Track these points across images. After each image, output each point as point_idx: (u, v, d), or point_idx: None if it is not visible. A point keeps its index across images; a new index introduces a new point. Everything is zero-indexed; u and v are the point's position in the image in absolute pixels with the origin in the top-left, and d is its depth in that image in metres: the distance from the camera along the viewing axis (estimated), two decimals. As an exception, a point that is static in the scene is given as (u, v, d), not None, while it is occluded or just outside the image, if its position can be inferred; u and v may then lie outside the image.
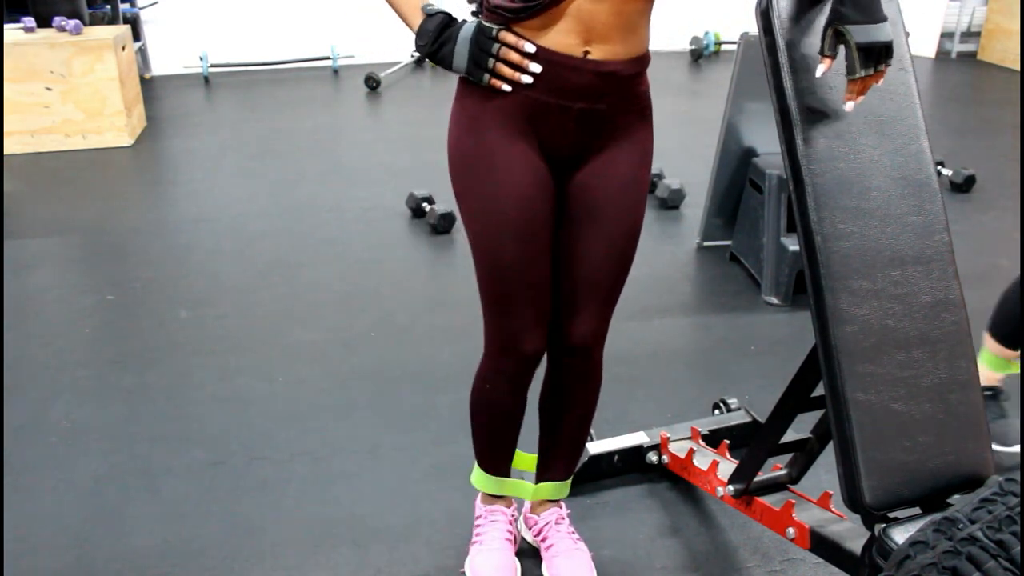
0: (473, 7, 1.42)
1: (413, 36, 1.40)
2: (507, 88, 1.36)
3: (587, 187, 1.46)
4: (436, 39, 1.36)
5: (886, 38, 1.29)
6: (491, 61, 1.34)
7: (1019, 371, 2.19)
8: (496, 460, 1.76)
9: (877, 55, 1.30)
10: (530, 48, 1.33)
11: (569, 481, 1.80)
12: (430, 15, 1.37)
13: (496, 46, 1.34)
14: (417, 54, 6.47)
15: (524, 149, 1.41)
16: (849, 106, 1.35)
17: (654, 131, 1.50)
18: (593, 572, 1.75)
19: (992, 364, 2.13)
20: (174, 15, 6.19)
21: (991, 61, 6.76)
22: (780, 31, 1.38)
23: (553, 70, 1.34)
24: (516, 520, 1.85)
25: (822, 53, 1.33)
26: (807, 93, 1.39)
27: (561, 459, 1.76)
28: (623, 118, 1.43)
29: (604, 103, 1.39)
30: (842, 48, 1.32)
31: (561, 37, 1.32)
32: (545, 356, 1.63)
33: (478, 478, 1.79)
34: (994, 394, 2.18)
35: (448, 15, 1.38)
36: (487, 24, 1.34)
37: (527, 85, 1.36)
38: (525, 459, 1.86)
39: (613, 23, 1.32)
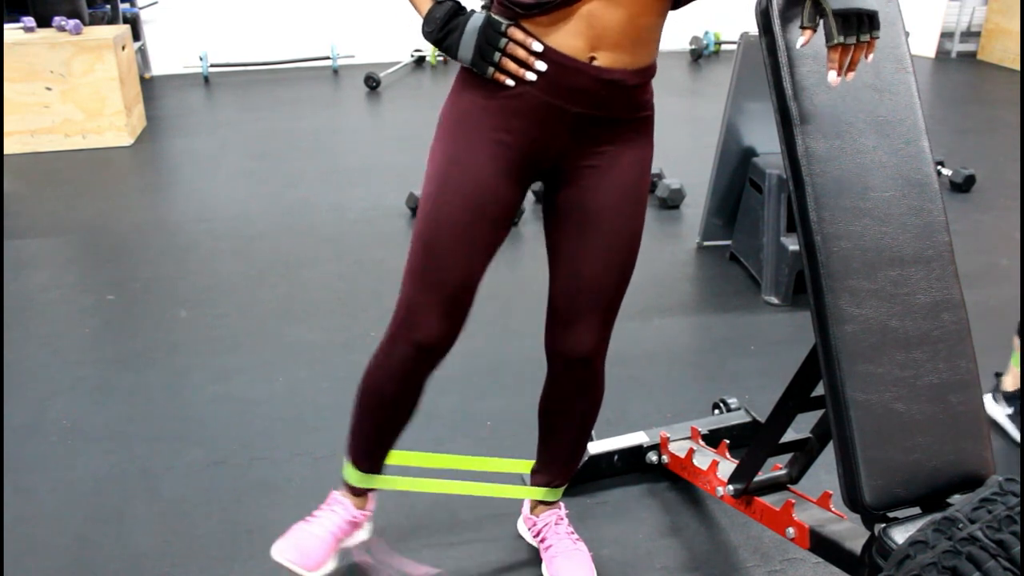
0: None
1: (420, 25, 1.39)
2: (510, 83, 1.35)
3: (586, 195, 1.45)
4: (443, 26, 1.36)
5: (866, 6, 1.25)
6: (497, 55, 1.33)
7: (1019, 355, 2.22)
8: (364, 451, 1.66)
9: (858, 23, 1.26)
10: (537, 47, 1.32)
11: (563, 488, 1.80)
12: (439, 2, 1.37)
13: (504, 40, 1.33)
14: (417, 53, 6.48)
15: (503, 153, 1.40)
16: (831, 76, 1.29)
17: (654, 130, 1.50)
18: (593, 572, 1.75)
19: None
20: (174, 15, 6.19)
21: (991, 61, 6.76)
22: (780, 31, 1.38)
23: (556, 71, 1.33)
24: (361, 523, 1.76)
25: (802, 25, 1.29)
26: (807, 93, 1.39)
27: (556, 465, 1.76)
28: (624, 125, 1.42)
29: (603, 110, 1.38)
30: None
31: (569, 39, 1.31)
32: (546, 363, 1.63)
33: (347, 469, 1.70)
34: None
35: (457, 3, 1.37)
36: (496, 17, 1.33)
37: (528, 82, 1.35)
38: (520, 464, 1.86)
39: (625, 32, 1.31)
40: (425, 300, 1.46)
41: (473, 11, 1.37)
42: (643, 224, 1.51)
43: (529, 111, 1.37)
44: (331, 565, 1.69)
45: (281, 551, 1.65)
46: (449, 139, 1.43)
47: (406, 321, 1.49)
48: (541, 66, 1.33)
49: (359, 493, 1.75)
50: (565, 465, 1.76)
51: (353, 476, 1.70)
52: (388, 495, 2.02)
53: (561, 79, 1.34)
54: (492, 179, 1.41)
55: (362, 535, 1.79)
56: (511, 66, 1.34)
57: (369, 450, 1.67)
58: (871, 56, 1.31)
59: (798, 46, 1.32)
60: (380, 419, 1.61)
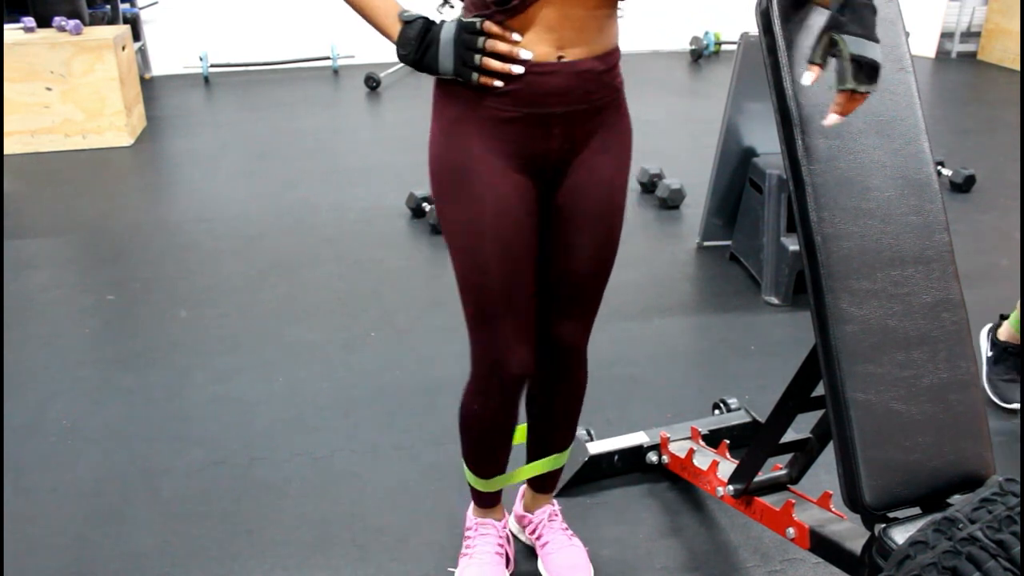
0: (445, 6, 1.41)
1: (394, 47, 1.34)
2: (499, 84, 1.32)
3: (569, 193, 1.45)
4: (419, 45, 1.32)
5: (878, 59, 1.24)
6: (478, 57, 1.30)
7: (1020, 355, 2.29)
8: (488, 468, 1.71)
9: (868, 73, 1.24)
10: (516, 36, 1.30)
11: (560, 457, 1.76)
12: (408, 22, 1.32)
13: (481, 39, 1.30)
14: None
15: (506, 164, 1.39)
16: (831, 119, 1.28)
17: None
18: (589, 566, 1.76)
19: (1016, 325, 2.33)
20: (174, 15, 6.19)
21: (991, 61, 6.76)
22: (780, 31, 1.38)
23: (531, 79, 1.32)
24: (507, 537, 1.82)
25: (812, 61, 1.28)
26: (807, 93, 1.39)
27: (552, 436, 1.74)
28: (603, 115, 1.42)
29: (584, 103, 1.38)
30: (832, 60, 1.29)
31: (535, 46, 1.31)
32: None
33: (471, 477, 1.74)
34: (1011, 350, 2.38)
35: (426, 20, 1.33)
36: (468, 19, 1.30)
37: (507, 102, 1.33)
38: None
39: (585, 26, 1.32)
40: (502, 342, 1.47)
41: (442, 23, 1.34)
42: (623, 216, 1.51)
43: (518, 127, 1.36)
44: None
45: None
46: (459, 179, 1.40)
47: (491, 364, 1.50)
48: (526, 54, 1.30)
49: (491, 503, 1.78)
50: (562, 433, 1.74)
51: (484, 484, 1.73)
52: (385, 498, 2.02)
53: (538, 86, 1.33)
54: (516, 206, 1.40)
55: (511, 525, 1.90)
56: (495, 64, 1.30)
57: (490, 467, 1.71)
58: (856, 106, 1.28)
59: (804, 83, 1.29)
60: (495, 442, 1.66)
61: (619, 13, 1.40)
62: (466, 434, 1.66)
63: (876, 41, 1.25)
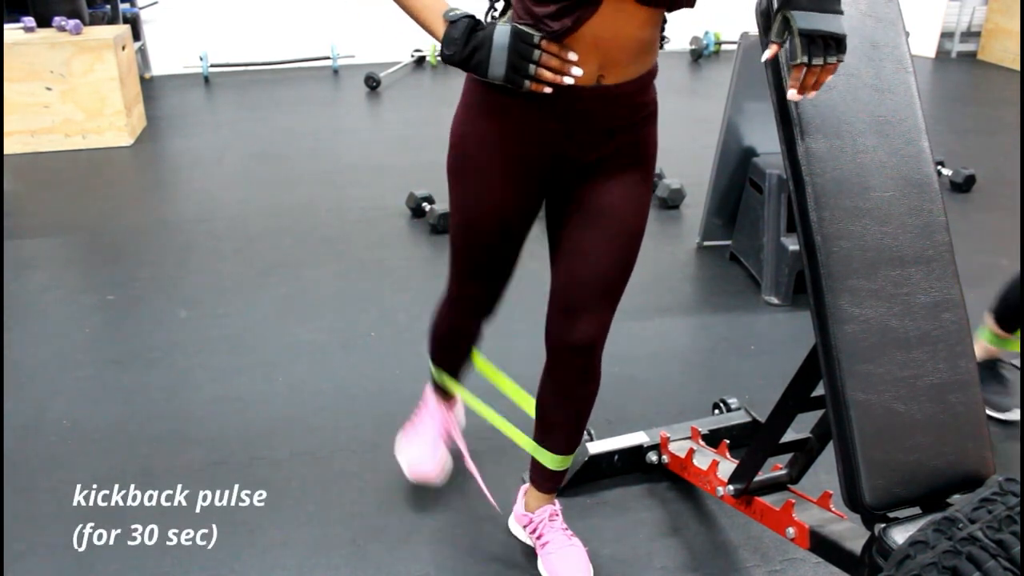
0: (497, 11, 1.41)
1: (440, 44, 1.34)
2: (548, 90, 1.32)
3: (595, 190, 1.48)
4: (465, 45, 1.31)
5: (835, 29, 1.26)
6: (532, 68, 1.30)
7: (1019, 354, 2.28)
8: (443, 363, 1.91)
9: (824, 45, 1.26)
10: (573, 56, 1.30)
11: (566, 459, 1.76)
12: (453, 22, 1.32)
13: (538, 53, 1.29)
14: (417, 53, 6.48)
15: (520, 164, 1.46)
16: (792, 95, 1.30)
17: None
18: (589, 566, 1.75)
19: (991, 341, 2.27)
20: (174, 15, 6.19)
21: (991, 61, 6.76)
22: (780, 31, 1.38)
23: (568, 100, 1.35)
24: (453, 425, 2.02)
25: (770, 39, 1.30)
26: (807, 93, 1.39)
27: (558, 442, 1.74)
28: (636, 129, 1.47)
29: (612, 121, 1.42)
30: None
31: (579, 64, 1.32)
32: (545, 353, 1.64)
33: (433, 370, 1.93)
34: (993, 365, 2.32)
35: (472, 18, 1.33)
36: (526, 30, 1.29)
37: (538, 115, 1.38)
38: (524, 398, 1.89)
39: (629, 48, 1.34)
40: (467, 291, 1.70)
41: (492, 23, 1.33)
42: (647, 216, 1.54)
43: (540, 136, 1.41)
44: (447, 460, 2.00)
45: (408, 468, 1.98)
46: (474, 161, 1.49)
47: (456, 302, 1.74)
48: (578, 71, 1.31)
49: (446, 396, 1.98)
50: (569, 436, 1.74)
51: (440, 376, 1.93)
52: (385, 498, 2.02)
53: (572, 106, 1.37)
54: (514, 206, 1.52)
55: (460, 421, 2.06)
56: (547, 75, 1.31)
57: (444, 363, 1.91)
58: (829, 77, 1.31)
59: (762, 59, 1.34)
60: (453, 346, 1.87)
61: (665, 40, 1.44)
62: (432, 333, 1.87)
63: (835, 12, 1.26)
